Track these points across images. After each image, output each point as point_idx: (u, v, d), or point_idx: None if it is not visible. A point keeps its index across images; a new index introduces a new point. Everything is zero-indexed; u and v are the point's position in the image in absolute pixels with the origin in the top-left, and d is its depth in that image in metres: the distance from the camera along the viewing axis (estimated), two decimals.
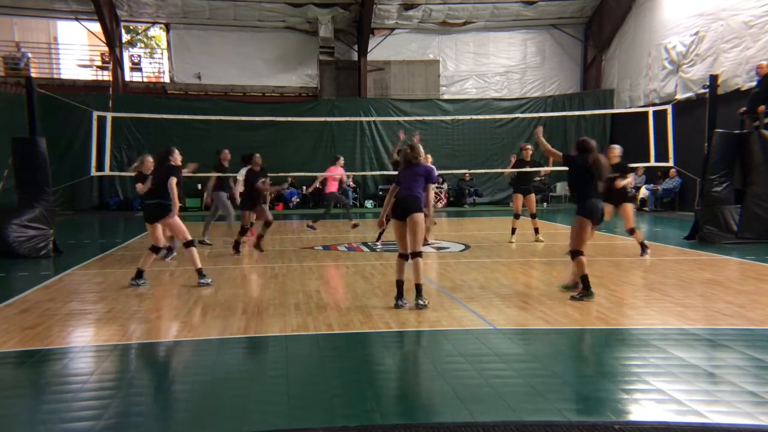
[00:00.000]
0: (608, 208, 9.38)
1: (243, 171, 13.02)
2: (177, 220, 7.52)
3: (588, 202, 6.49)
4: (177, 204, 7.50)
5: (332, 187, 13.84)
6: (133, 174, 9.14)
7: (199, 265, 7.47)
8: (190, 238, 7.58)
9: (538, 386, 4.02)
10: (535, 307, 6.21)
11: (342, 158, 14.43)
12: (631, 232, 9.63)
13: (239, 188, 13.01)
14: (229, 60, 22.03)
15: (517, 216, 11.48)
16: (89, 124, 13.38)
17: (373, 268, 8.77)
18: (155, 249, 7.62)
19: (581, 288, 6.53)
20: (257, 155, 10.53)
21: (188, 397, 4.03)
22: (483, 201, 22.19)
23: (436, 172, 6.71)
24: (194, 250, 7.56)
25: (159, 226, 7.59)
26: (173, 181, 7.40)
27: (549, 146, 7.25)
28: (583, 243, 6.57)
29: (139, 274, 7.54)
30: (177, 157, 7.71)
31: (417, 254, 6.23)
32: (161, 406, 3.87)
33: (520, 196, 11.49)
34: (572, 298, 6.51)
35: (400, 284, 6.28)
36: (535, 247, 10.82)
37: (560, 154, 7.00)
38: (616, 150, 9.46)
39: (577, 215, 6.57)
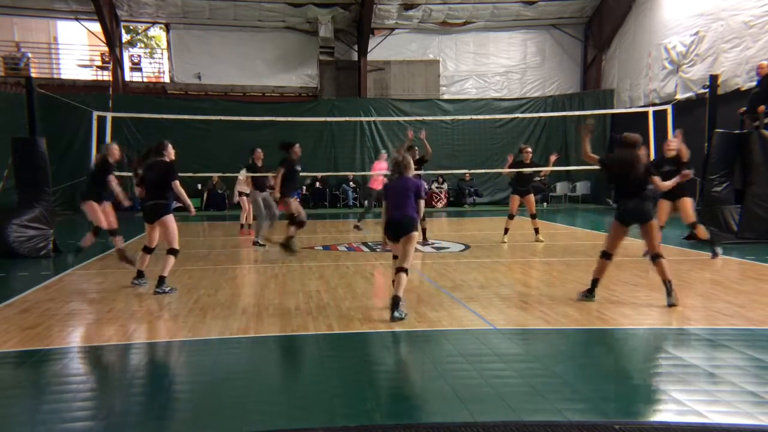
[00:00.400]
0: (665, 206, 9.14)
1: (244, 171, 13.12)
2: (173, 223, 7.24)
3: (620, 203, 6.40)
4: (191, 204, 7.41)
5: (376, 184, 13.91)
6: (94, 166, 8.81)
7: (166, 274, 7.12)
8: (176, 246, 7.25)
9: (538, 386, 4.02)
10: (535, 307, 6.21)
11: (385, 153, 14.39)
12: (692, 226, 9.24)
13: (239, 187, 13.12)
14: (229, 60, 22.04)
15: (511, 217, 11.45)
16: (89, 124, 13.41)
17: (373, 268, 8.77)
18: (148, 249, 7.42)
19: (587, 288, 6.51)
20: (297, 145, 10.14)
21: (188, 397, 4.03)
22: (483, 201, 22.20)
23: (425, 186, 6.48)
24: (173, 259, 7.21)
25: (158, 227, 7.33)
26: (177, 183, 7.15)
27: (589, 149, 6.75)
28: (611, 245, 6.48)
29: (140, 274, 7.50)
30: (171, 152, 7.38)
31: (403, 270, 6.00)
32: (161, 406, 3.87)
33: (517, 198, 11.43)
34: (580, 295, 6.50)
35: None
36: (535, 247, 10.82)
37: (597, 158, 6.65)
38: (673, 143, 9.02)
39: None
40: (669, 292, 6.19)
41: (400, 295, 5.89)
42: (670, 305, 6.14)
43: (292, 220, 9.73)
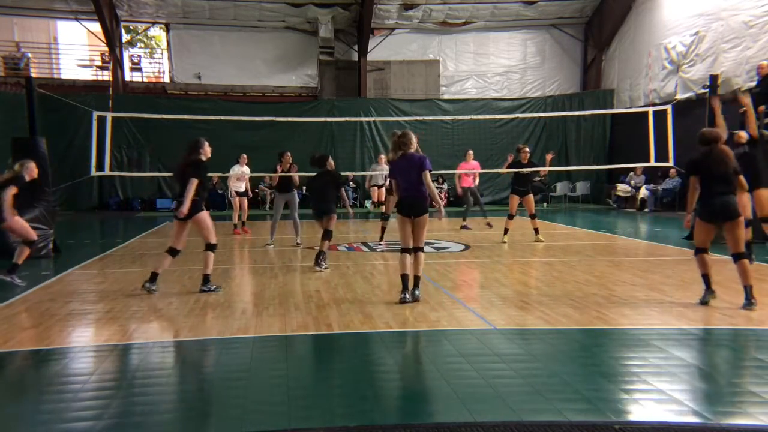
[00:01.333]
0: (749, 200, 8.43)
1: (236, 168, 13.18)
2: (207, 218, 7.08)
3: (705, 201, 6.14)
4: (188, 203, 6.84)
5: (466, 182, 14.22)
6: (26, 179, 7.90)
7: (209, 272, 7.13)
8: (213, 241, 7.15)
9: (538, 386, 4.02)
10: (535, 307, 6.21)
11: (471, 152, 14.53)
12: (765, 220, 8.52)
13: (231, 184, 13.20)
14: (229, 60, 22.05)
15: (511, 217, 11.47)
16: (89, 124, 13.38)
17: (373, 268, 8.77)
18: (172, 251, 7.08)
19: (704, 290, 6.26)
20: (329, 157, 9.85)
21: (188, 397, 4.03)
22: (483, 201, 22.12)
23: (429, 160, 6.50)
24: (212, 255, 7.13)
25: (187, 226, 7.07)
26: (195, 182, 6.87)
27: (690, 206, 6.39)
28: (702, 242, 6.26)
29: (154, 277, 7.02)
30: (207, 150, 7.24)
31: (420, 249, 6.53)
32: (161, 406, 3.87)
33: (516, 198, 11.45)
34: (701, 300, 6.22)
35: (405, 278, 6.44)
36: (535, 247, 10.82)
37: (695, 189, 6.18)
38: (743, 132, 8.74)
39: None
40: (747, 297, 5.93)
41: (420, 274, 6.55)
42: (745, 308, 5.90)
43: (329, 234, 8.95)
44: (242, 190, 13.22)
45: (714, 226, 6.25)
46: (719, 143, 6.12)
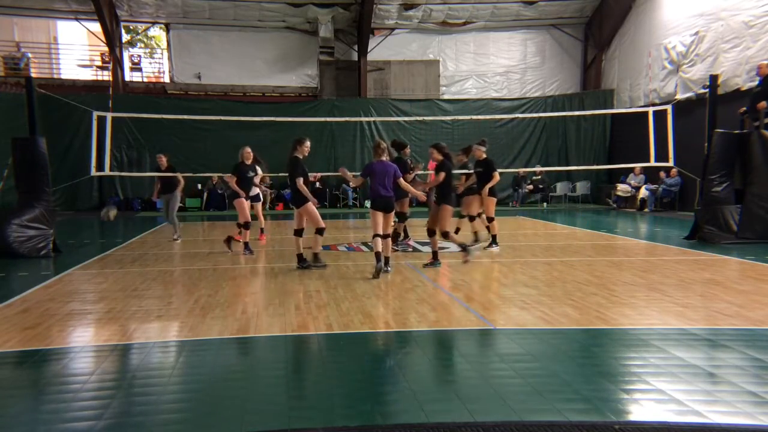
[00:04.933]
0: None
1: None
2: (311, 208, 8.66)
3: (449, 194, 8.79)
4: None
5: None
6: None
7: (318, 250, 8.84)
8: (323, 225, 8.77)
9: (538, 386, 4.02)
10: (535, 307, 6.21)
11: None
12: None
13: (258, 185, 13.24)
14: (229, 60, 22.06)
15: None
16: (89, 124, 13.42)
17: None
18: (320, 230, 8.75)
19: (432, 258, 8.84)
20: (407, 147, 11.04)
21: (188, 397, 4.03)
22: None
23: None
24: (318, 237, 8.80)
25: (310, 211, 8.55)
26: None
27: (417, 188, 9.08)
28: (450, 225, 8.96)
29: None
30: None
31: (389, 236, 8.27)
32: (161, 406, 3.87)
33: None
34: (424, 265, 8.72)
35: (379, 255, 8.03)
36: (535, 248, 10.81)
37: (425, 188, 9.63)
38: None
39: (446, 205, 8.65)
40: (435, 257, 8.82)
41: (389, 254, 8.33)
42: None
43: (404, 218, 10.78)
44: (253, 194, 13.14)
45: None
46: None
